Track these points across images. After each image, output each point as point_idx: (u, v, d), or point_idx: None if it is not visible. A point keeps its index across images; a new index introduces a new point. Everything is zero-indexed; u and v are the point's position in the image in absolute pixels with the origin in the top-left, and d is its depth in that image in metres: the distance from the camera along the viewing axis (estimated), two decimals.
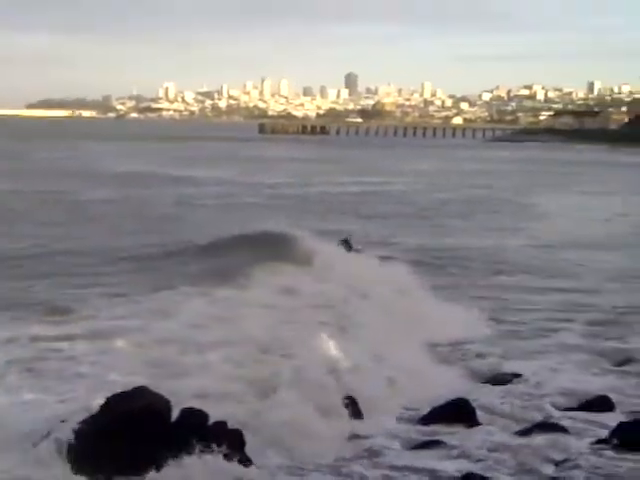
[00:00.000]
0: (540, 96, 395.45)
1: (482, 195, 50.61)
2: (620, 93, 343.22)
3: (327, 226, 31.18)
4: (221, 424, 8.92)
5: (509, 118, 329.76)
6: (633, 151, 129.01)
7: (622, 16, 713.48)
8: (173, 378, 10.69)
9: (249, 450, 8.95)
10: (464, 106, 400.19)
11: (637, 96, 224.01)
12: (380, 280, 18.35)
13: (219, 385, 10.58)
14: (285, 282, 17.35)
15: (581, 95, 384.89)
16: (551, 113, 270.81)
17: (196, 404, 9.18)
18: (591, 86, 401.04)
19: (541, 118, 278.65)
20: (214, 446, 8.58)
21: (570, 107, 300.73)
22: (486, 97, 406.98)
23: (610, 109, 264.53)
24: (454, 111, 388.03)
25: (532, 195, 50.60)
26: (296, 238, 20.86)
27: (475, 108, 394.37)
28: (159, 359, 11.76)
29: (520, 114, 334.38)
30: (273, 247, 20.12)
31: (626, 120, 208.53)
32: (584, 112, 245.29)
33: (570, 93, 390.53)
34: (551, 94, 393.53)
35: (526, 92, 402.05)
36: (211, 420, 8.90)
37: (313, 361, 11.70)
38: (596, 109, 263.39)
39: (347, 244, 23.05)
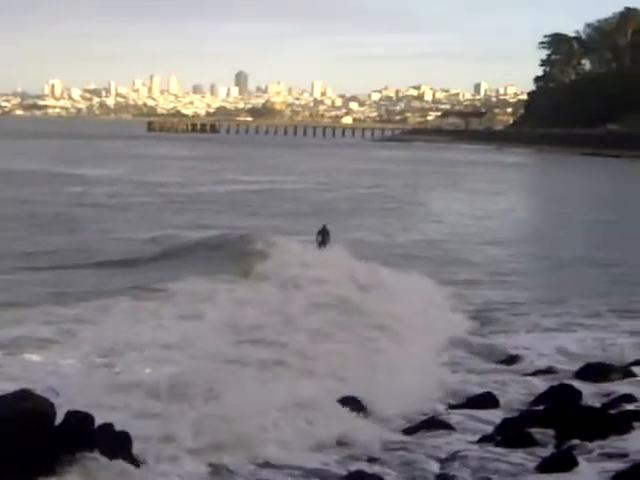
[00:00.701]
0: (428, 97, 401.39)
1: (373, 194, 51.03)
2: (506, 94, 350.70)
3: (224, 222, 31.32)
4: (107, 426, 8.76)
5: (398, 118, 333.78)
6: (517, 151, 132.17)
7: (509, 18, 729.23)
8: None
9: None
10: (354, 106, 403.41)
11: (522, 97, 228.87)
12: None
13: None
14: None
15: (468, 96, 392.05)
16: (439, 113, 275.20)
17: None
18: (478, 87, 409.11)
19: (429, 118, 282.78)
20: (99, 448, 8.42)
21: (457, 108, 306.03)
22: (375, 97, 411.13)
23: (496, 110, 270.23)
24: (344, 111, 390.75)
25: (421, 194, 51.36)
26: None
27: (364, 108, 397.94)
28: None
29: (409, 114, 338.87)
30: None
31: (511, 121, 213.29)
32: (471, 113, 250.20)
33: (457, 94, 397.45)
34: (439, 95, 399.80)
35: (414, 92, 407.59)
36: (97, 423, 8.72)
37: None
38: (482, 110, 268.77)
39: (324, 234, 22.76)
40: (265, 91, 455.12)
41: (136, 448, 8.78)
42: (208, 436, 9.33)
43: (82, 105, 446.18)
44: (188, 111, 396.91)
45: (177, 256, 23.40)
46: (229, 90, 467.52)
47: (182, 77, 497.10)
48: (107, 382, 10.98)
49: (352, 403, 10.90)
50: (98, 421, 8.69)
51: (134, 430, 8.89)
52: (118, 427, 8.77)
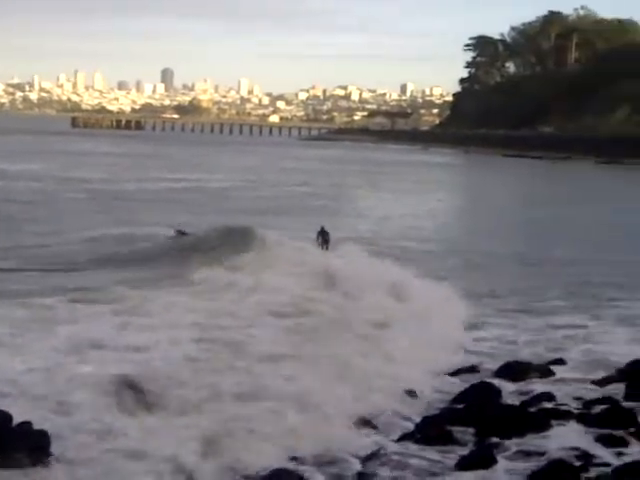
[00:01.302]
0: (355, 96, 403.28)
1: (301, 192, 51.01)
2: (432, 95, 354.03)
3: (155, 219, 31.05)
4: (26, 425, 8.62)
5: (325, 117, 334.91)
6: (443, 151, 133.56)
7: (436, 20, 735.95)
8: None
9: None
10: (281, 104, 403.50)
11: (448, 99, 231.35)
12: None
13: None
14: None
15: (395, 96, 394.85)
16: (365, 113, 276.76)
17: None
18: (404, 88, 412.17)
19: (356, 118, 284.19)
20: (16, 446, 8.27)
21: (384, 108, 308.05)
22: (302, 96, 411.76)
23: (422, 110, 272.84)
24: (271, 109, 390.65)
25: (348, 192, 51.52)
26: None
27: (292, 107, 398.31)
28: None
29: (335, 114, 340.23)
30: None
31: (437, 121, 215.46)
32: (397, 113, 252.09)
33: (384, 94, 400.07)
34: (366, 95, 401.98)
35: (342, 92, 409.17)
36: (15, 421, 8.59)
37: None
38: (409, 110, 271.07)
39: (324, 235, 22.83)
40: (192, 88, 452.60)
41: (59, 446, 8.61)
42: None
43: (5, 100, 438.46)
44: (113, 107, 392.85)
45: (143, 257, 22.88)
46: (155, 87, 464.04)
47: (107, 73, 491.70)
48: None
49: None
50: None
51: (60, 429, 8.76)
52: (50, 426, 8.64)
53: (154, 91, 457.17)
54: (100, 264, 22.09)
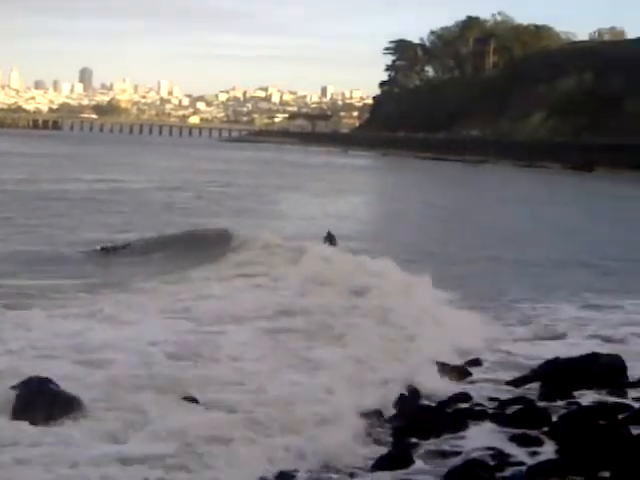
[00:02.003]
0: (276, 98, 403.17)
1: (223, 193, 50.78)
2: (352, 98, 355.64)
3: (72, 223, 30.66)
4: None
5: (245, 119, 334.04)
6: (363, 154, 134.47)
7: (357, 23, 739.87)
8: None
9: None
10: (201, 106, 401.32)
11: (368, 102, 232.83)
12: None
13: None
14: None
15: (315, 99, 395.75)
16: (286, 115, 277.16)
17: None
18: (324, 90, 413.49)
19: (276, 120, 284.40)
20: None
21: (304, 110, 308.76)
22: (223, 97, 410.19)
23: (342, 113, 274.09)
24: (191, 110, 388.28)
25: (270, 194, 51.47)
26: None
27: (212, 108, 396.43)
28: None
29: (256, 115, 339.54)
30: None
31: (357, 124, 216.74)
32: (317, 115, 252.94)
33: (304, 96, 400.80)
34: (286, 97, 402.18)
35: (262, 94, 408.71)
36: None
37: None
38: (329, 113, 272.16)
39: (331, 238, 23.91)
40: (110, 88, 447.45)
41: None
42: None
43: None
44: (30, 107, 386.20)
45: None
46: (73, 86, 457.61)
47: (24, 72, 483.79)
48: None
49: None
50: None
51: None
52: None
53: (72, 91, 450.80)
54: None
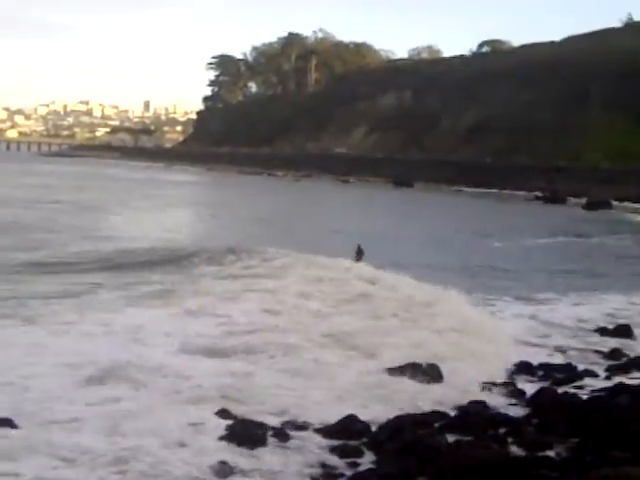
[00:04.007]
0: (97, 112, 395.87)
1: (58, 209, 49.36)
2: (175, 113, 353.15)
3: None
4: None
5: (66, 133, 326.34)
6: (187, 169, 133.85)
7: (180, 39, 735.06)
8: None
9: None
10: (19, 119, 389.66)
11: (192, 116, 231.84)
12: None
13: None
14: None
15: (138, 113, 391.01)
16: (108, 130, 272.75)
17: None
18: (147, 105, 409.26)
19: (98, 134, 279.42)
20: None
21: (127, 125, 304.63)
22: (42, 111, 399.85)
23: (166, 128, 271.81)
24: (9, 124, 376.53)
25: (95, 211, 50.34)
26: None
27: (31, 122, 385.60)
28: None
29: (77, 129, 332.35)
30: None
31: (181, 139, 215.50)
32: (140, 130, 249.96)
33: (127, 111, 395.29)
34: (108, 111, 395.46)
35: (83, 108, 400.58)
36: None
37: None
38: (152, 127, 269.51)
39: (360, 252, 25.75)
40: None
41: None
42: None
43: None
44: None
45: None
46: None
47: None
48: None
49: None
50: None
51: None
52: None
53: None
54: None
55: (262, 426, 10.81)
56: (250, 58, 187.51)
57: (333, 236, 41.02)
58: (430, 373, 13.63)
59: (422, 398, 12.68)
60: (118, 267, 25.44)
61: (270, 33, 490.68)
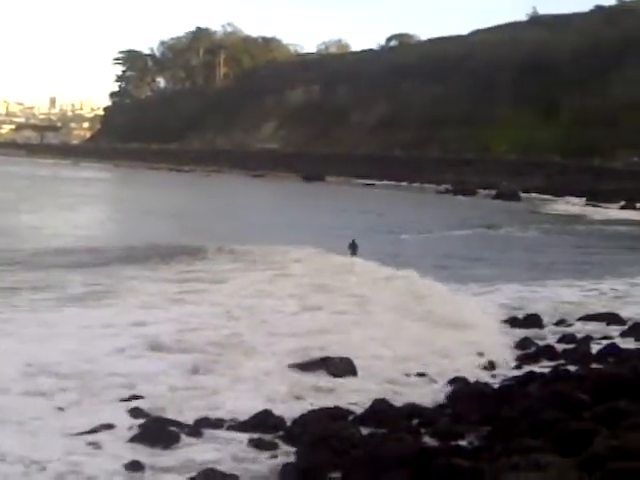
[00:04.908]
0: (1, 109, 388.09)
1: None
2: (82, 109, 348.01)
3: None
4: None
5: None
6: (94, 166, 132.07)
7: (88, 33, 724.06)
8: None
9: None
10: None
11: (99, 112, 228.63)
12: None
13: None
14: None
15: (44, 110, 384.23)
16: (13, 127, 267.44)
17: None
18: (53, 101, 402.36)
19: (2, 131, 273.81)
20: None
21: (32, 121, 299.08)
22: None
23: (72, 124, 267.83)
24: None
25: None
26: None
27: None
28: None
29: None
30: None
31: (88, 135, 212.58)
32: (46, 127, 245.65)
33: (32, 107, 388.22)
34: (13, 107, 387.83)
35: None
36: None
37: None
38: (58, 124, 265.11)
39: (354, 247, 27.25)
40: None
41: None
42: None
43: None
44: None
45: None
46: None
47: None
48: None
49: None
50: None
51: None
52: None
53: None
54: None
55: (176, 424, 10.71)
56: (158, 53, 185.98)
57: (254, 229, 41.74)
58: (343, 366, 13.69)
59: (337, 392, 12.72)
60: (36, 268, 24.86)
61: (178, 27, 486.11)
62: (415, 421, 11.39)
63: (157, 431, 10.38)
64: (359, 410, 11.74)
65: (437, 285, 21.85)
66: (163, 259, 25.68)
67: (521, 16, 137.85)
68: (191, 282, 21.68)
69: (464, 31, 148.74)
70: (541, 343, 17.29)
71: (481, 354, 15.99)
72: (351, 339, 15.62)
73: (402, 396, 12.70)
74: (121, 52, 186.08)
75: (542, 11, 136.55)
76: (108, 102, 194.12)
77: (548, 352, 16.29)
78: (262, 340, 15.31)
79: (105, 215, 51.54)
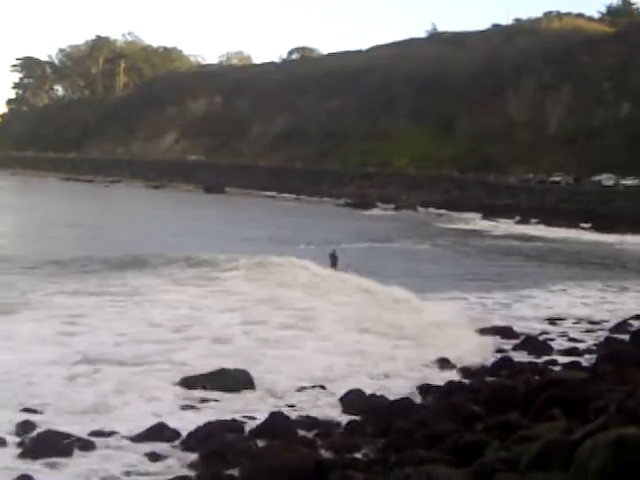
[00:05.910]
0: None
1: None
2: None
3: None
4: None
5: None
6: None
7: None
8: None
9: None
10: None
11: None
12: None
13: None
14: None
15: None
16: None
17: None
18: None
19: None
20: None
21: None
22: None
23: None
24: None
25: None
26: None
27: None
28: None
29: None
30: None
31: None
32: None
33: None
34: None
35: None
36: None
37: None
38: None
39: (334, 258, 27.31)
40: None
41: None
42: None
43: None
44: None
45: None
46: None
47: None
48: None
49: None
50: None
51: None
52: None
53: None
54: None
55: (67, 436, 10.55)
56: (56, 60, 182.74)
57: (159, 238, 42.24)
58: (240, 379, 13.67)
59: (234, 404, 12.71)
60: None
61: (78, 35, 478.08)
62: (312, 433, 11.43)
63: (49, 444, 10.23)
64: (255, 423, 11.74)
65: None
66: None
67: (421, 33, 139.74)
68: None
69: (365, 46, 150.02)
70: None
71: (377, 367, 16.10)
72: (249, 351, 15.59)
73: (298, 410, 12.72)
74: (19, 59, 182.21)
75: (441, 28, 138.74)
76: (5, 109, 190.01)
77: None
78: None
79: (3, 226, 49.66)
